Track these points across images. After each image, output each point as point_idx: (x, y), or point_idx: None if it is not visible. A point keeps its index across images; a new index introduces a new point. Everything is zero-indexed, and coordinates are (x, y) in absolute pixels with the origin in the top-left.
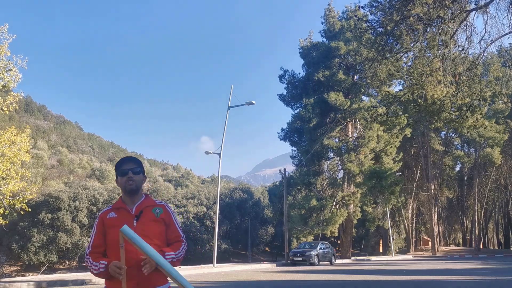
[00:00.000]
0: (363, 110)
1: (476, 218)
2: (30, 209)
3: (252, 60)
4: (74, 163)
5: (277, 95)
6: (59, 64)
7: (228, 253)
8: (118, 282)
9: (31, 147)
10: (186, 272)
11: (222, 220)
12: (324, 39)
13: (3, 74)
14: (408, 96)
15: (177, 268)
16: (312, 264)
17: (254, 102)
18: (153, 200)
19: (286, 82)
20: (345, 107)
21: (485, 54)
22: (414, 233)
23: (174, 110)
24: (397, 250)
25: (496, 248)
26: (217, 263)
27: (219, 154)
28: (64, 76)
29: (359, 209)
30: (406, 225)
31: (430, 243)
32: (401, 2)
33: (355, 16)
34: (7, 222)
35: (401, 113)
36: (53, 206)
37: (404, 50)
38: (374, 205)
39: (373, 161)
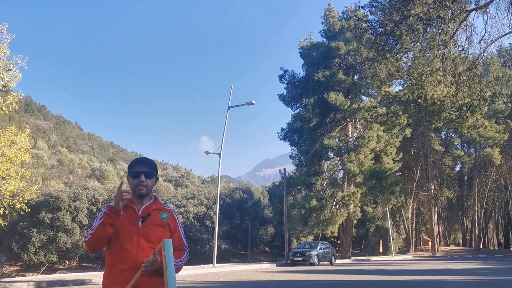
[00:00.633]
0: (363, 110)
1: (476, 218)
2: (29, 210)
3: (252, 60)
4: (74, 163)
5: (277, 95)
6: (59, 63)
7: (228, 253)
8: (120, 281)
9: (31, 147)
10: (186, 272)
11: (222, 220)
12: (324, 39)
13: (3, 74)
14: (408, 96)
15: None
16: (312, 264)
17: (254, 102)
18: (162, 204)
19: (286, 82)
20: (345, 107)
21: (485, 54)
22: (414, 233)
23: (174, 110)
24: (397, 250)
25: (496, 248)
26: (217, 263)
27: (219, 154)
28: (64, 76)
29: (359, 209)
30: (406, 225)
31: (430, 243)
32: (401, 2)
33: (355, 16)
34: (6, 223)
35: (401, 113)
36: (53, 206)
37: (404, 50)
38: (374, 205)
39: (373, 161)
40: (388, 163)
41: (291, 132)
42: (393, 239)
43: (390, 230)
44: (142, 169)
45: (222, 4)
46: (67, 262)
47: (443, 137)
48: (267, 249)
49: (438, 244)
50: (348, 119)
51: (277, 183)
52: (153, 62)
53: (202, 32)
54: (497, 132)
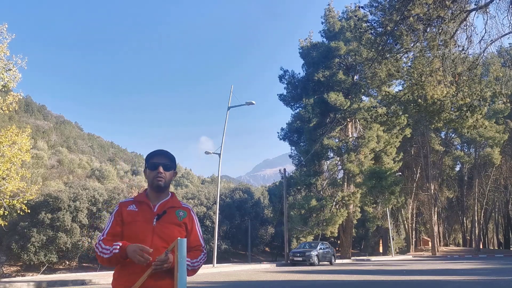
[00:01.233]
0: (363, 110)
1: (476, 218)
2: (29, 211)
3: (253, 60)
4: (74, 163)
5: (277, 95)
6: (59, 62)
7: (228, 253)
8: (133, 282)
9: (31, 147)
10: None
11: (222, 220)
12: (324, 39)
13: (2, 74)
14: (408, 96)
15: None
16: (312, 264)
17: (254, 102)
18: (179, 201)
19: (286, 82)
20: (345, 107)
21: (485, 54)
22: (414, 233)
23: (174, 110)
24: (397, 250)
25: (496, 248)
26: (217, 263)
27: (219, 154)
28: (64, 75)
29: (359, 209)
30: (406, 225)
31: (430, 243)
32: (401, 2)
33: (355, 16)
34: (6, 223)
35: (401, 113)
36: (53, 206)
37: (404, 50)
38: (374, 205)
39: (373, 161)
40: (388, 163)
41: (291, 132)
42: (393, 239)
43: (390, 230)
44: (161, 160)
45: (223, 5)
46: (67, 262)
47: (443, 137)
48: (267, 249)
49: (438, 244)
50: (348, 119)
51: (277, 183)
52: (153, 62)
53: (203, 33)
54: (497, 132)
